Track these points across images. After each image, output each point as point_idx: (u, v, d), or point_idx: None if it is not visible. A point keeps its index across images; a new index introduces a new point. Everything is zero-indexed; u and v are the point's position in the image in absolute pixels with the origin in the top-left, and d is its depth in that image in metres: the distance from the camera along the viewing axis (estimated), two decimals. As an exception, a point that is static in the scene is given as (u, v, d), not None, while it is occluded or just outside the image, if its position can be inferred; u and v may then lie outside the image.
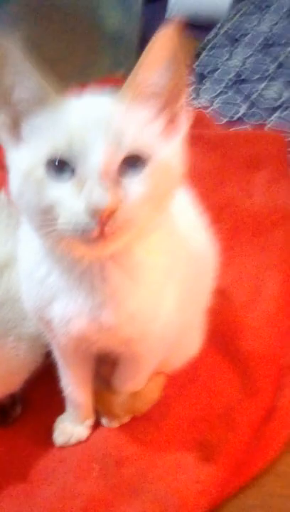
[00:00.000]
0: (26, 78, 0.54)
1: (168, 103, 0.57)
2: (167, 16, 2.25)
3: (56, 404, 0.90)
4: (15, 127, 0.56)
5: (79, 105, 0.55)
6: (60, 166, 0.52)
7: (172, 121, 0.57)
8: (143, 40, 1.87)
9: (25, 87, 0.54)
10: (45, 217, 0.53)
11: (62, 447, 0.88)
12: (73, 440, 0.88)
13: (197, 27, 2.00)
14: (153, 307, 0.67)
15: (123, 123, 0.53)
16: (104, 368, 0.87)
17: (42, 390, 0.92)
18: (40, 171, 0.53)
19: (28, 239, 0.66)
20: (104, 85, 1.44)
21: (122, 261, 0.61)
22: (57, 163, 0.52)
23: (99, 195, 0.50)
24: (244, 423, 0.89)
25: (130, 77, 0.55)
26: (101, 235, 0.52)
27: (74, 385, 0.85)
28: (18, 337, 0.82)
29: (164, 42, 0.53)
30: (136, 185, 0.53)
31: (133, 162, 0.53)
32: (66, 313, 0.65)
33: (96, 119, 0.52)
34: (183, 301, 0.71)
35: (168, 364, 0.90)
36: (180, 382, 0.94)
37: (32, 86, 0.54)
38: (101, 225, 0.51)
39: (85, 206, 0.51)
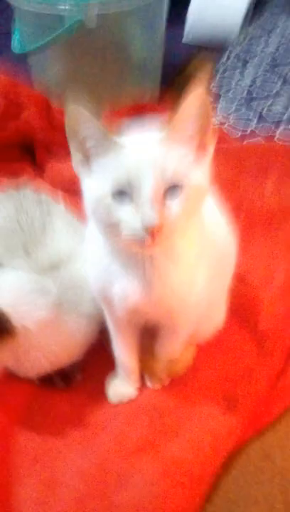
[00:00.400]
0: (94, 130, 0.73)
1: (199, 138, 0.73)
2: (183, 40, 2.44)
3: (109, 370, 1.11)
4: (88, 163, 0.76)
5: (132, 148, 0.72)
6: (122, 195, 0.73)
7: (202, 148, 0.74)
8: (164, 64, 2.04)
9: (94, 137, 0.73)
10: (112, 229, 0.75)
11: (115, 405, 1.08)
12: (125, 398, 1.08)
13: (211, 49, 2.21)
14: (188, 284, 0.87)
15: (166, 162, 0.71)
16: (148, 340, 1.07)
17: (98, 359, 1.13)
18: (108, 199, 0.73)
19: (94, 238, 0.87)
20: (134, 110, 1.69)
21: (167, 252, 0.81)
22: (119, 193, 0.73)
23: (150, 217, 0.71)
24: (262, 380, 1.08)
25: (169, 126, 0.72)
26: (153, 242, 0.73)
27: (124, 353, 1.05)
28: (79, 315, 1.03)
29: (196, 99, 0.70)
30: (176, 206, 0.73)
31: (173, 188, 0.72)
32: (124, 292, 0.86)
33: (146, 160, 0.70)
34: (211, 280, 0.91)
35: (199, 335, 1.09)
36: (208, 351, 1.13)
37: (98, 135, 0.72)
38: (153, 236, 0.72)
39: (141, 224, 0.71)
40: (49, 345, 1.02)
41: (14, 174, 1.67)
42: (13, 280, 1.00)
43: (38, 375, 1.09)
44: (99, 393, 1.11)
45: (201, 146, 0.75)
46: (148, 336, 1.08)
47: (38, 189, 1.25)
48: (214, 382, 1.09)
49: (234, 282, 1.06)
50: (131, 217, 0.72)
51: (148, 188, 0.70)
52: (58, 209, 1.16)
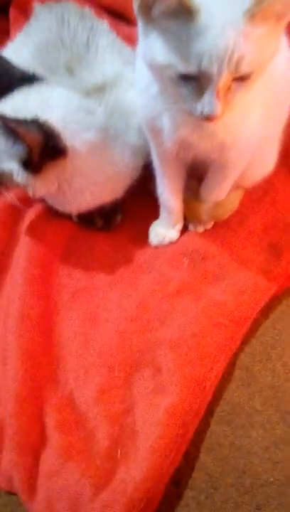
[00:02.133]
0: None
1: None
2: None
3: (150, 214, 1.08)
4: (150, 16, 0.65)
5: (209, 21, 0.62)
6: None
7: (278, 19, 0.64)
8: None
9: None
10: (169, 91, 0.70)
11: (156, 247, 1.07)
12: (166, 241, 1.05)
13: None
14: (242, 119, 0.80)
15: (245, 49, 0.62)
16: (193, 181, 1.03)
17: (138, 202, 1.10)
18: (172, 71, 0.66)
19: (144, 68, 0.77)
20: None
21: None
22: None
23: (213, 108, 0.66)
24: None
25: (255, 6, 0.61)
26: (211, 122, 0.69)
27: (168, 191, 1.00)
28: (124, 143, 0.97)
29: None
30: (241, 92, 0.67)
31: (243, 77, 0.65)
32: (174, 123, 0.79)
33: (223, 47, 0.62)
34: (265, 118, 0.84)
35: (247, 177, 1.03)
36: (255, 196, 1.08)
37: None
38: (211, 120, 0.68)
39: (201, 112, 0.67)
40: (94, 172, 0.98)
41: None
42: (60, 96, 0.93)
43: (79, 211, 1.06)
44: (139, 235, 1.09)
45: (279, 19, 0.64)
46: (193, 178, 1.03)
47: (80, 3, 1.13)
48: (259, 229, 1.06)
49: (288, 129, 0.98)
50: (192, 100, 0.67)
51: (218, 79, 0.64)
52: (102, 27, 1.05)
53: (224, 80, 0.64)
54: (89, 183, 0.98)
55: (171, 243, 1.06)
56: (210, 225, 1.06)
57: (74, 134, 0.91)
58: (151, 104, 0.80)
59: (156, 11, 0.63)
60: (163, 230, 1.06)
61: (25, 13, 1.34)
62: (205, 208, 1.04)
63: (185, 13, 0.62)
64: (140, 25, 0.68)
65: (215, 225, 1.06)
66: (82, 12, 1.08)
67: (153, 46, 0.67)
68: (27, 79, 0.93)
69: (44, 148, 0.88)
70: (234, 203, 1.07)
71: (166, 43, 0.65)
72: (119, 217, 1.11)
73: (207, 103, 0.66)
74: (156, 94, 0.78)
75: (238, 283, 0.98)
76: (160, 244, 1.06)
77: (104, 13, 1.32)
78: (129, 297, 0.99)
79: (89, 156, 0.93)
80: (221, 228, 1.06)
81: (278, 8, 0.62)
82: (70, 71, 1.00)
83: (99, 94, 0.97)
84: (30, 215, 1.10)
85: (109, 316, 0.98)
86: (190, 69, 0.64)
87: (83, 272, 1.05)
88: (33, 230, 1.08)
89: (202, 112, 0.67)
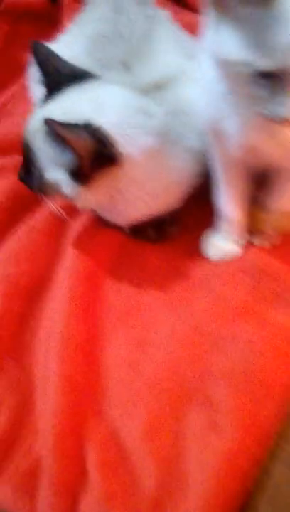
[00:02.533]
0: None
1: None
2: None
3: (208, 224, 0.97)
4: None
5: None
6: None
7: None
8: None
9: None
10: (242, 92, 0.59)
11: (214, 262, 0.95)
12: (228, 256, 0.94)
13: None
14: None
15: None
16: (260, 189, 0.91)
17: (196, 213, 0.99)
18: (250, 71, 0.55)
19: (209, 63, 0.67)
20: None
21: None
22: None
23: None
24: None
25: None
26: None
27: (230, 203, 0.89)
28: (185, 148, 0.86)
29: None
30: None
31: None
32: (242, 125, 0.69)
33: None
34: None
35: None
36: None
37: None
38: None
39: (283, 116, 0.57)
40: (150, 181, 0.87)
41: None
42: (116, 96, 0.83)
43: (131, 222, 0.96)
44: (196, 249, 0.98)
45: None
46: (259, 186, 0.91)
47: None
48: None
49: None
50: (269, 99, 0.58)
51: None
52: (163, 16, 0.94)
53: None
54: (144, 193, 0.88)
55: (233, 259, 0.95)
56: (277, 240, 0.94)
57: (131, 139, 0.81)
58: (216, 104, 0.70)
59: None
60: (223, 244, 0.95)
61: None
62: (271, 219, 0.92)
63: None
64: (211, 15, 0.58)
65: (284, 241, 0.94)
66: (143, -1, 0.97)
67: (225, 40, 0.56)
68: (78, 76, 0.84)
69: (96, 157, 0.78)
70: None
71: (243, 36, 0.55)
72: (174, 229, 1.00)
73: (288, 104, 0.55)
74: (223, 94, 0.68)
75: (307, 307, 0.86)
76: (220, 260, 0.95)
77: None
78: (182, 319, 0.89)
79: (146, 163, 0.83)
80: (288, 243, 0.94)
81: None
82: (127, 66, 0.90)
83: (158, 93, 0.86)
84: (77, 225, 1.01)
85: (160, 341, 0.88)
86: (272, 65, 0.53)
87: (133, 288, 0.95)
88: (79, 242, 0.98)
89: (281, 115, 0.56)
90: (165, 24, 0.94)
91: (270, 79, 0.56)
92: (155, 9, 0.96)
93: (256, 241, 0.95)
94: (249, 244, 0.95)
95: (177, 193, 0.92)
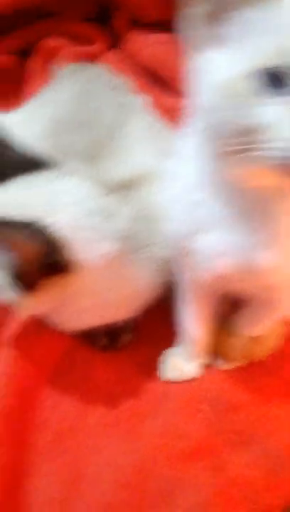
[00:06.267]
0: None
1: None
2: None
3: (166, 337, 0.86)
4: (217, 23, 0.46)
5: None
6: (274, 80, 0.42)
7: None
8: None
9: None
10: (243, 138, 0.44)
11: (169, 383, 0.83)
12: (184, 377, 0.82)
13: None
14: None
15: None
16: (226, 308, 0.80)
17: (153, 322, 0.87)
18: (249, 83, 0.43)
19: (188, 155, 0.57)
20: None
21: None
22: (271, 77, 0.42)
23: None
24: None
25: None
26: None
27: (195, 321, 0.78)
28: (149, 256, 0.75)
29: None
30: None
31: None
32: (215, 247, 0.57)
33: None
34: None
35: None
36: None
37: None
38: None
39: None
40: (106, 291, 0.74)
41: (79, 40, 1.33)
42: (72, 193, 0.71)
43: (79, 329, 0.83)
44: (151, 362, 0.86)
45: None
46: (226, 302, 0.80)
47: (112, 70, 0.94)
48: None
49: None
50: (285, 119, 0.42)
51: None
52: (137, 104, 0.84)
53: None
54: (98, 302, 0.75)
55: (190, 380, 0.82)
56: (243, 363, 0.83)
57: (86, 244, 0.68)
58: (187, 215, 0.59)
59: None
60: (181, 363, 0.83)
61: (49, 62, 1.16)
62: (238, 344, 0.82)
63: None
64: (201, 51, 0.47)
65: (249, 365, 0.83)
66: (115, 83, 0.88)
67: (220, 65, 0.46)
68: (32, 164, 0.73)
69: (43, 262, 0.66)
70: (275, 339, 0.84)
71: (242, 43, 0.44)
72: (129, 336, 0.88)
73: None
74: (201, 201, 0.57)
75: (270, 454, 0.74)
76: (176, 380, 0.83)
77: (142, 78, 1.13)
78: (127, 454, 0.75)
79: (101, 272, 0.71)
80: (256, 370, 0.83)
81: None
82: (91, 158, 0.79)
83: (124, 192, 0.75)
84: (16, 324, 0.88)
85: (97, 477, 0.74)
86: (279, 52, 0.42)
87: (73, 405, 0.82)
88: (17, 344, 0.85)
89: None
90: (141, 115, 0.84)
91: (276, 86, 0.42)
92: (130, 96, 0.87)
93: (220, 364, 0.83)
94: (211, 367, 0.84)
95: (136, 303, 0.80)
